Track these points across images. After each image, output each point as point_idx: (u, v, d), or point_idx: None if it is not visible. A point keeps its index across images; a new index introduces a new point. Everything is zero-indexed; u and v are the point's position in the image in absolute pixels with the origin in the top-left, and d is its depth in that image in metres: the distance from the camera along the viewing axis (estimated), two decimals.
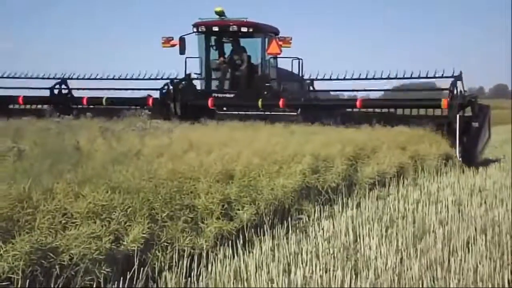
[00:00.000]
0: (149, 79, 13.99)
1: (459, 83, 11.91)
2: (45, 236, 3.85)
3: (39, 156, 5.49)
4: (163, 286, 4.27)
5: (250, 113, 12.63)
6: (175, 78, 13.77)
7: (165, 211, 4.85)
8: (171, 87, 13.47)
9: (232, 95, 13.94)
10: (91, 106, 13.82)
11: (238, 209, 5.59)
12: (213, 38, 14.46)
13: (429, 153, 10.54)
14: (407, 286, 4.38)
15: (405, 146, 10.18)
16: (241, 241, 5.26)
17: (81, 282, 3.86)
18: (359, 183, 8.12)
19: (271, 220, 5.97)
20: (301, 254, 5.09)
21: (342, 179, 7.63)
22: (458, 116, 11.59)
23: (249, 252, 5.14)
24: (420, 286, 4.35)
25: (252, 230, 5.59)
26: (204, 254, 4.82)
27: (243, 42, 14.63)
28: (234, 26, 13.81)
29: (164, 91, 13.46)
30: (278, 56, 14.22)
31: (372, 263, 4.88)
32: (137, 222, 4.51)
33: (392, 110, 12.85)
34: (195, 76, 14.41)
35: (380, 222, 6.35)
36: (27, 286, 3.60)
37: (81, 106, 14.05)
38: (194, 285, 4.38)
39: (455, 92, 11.79)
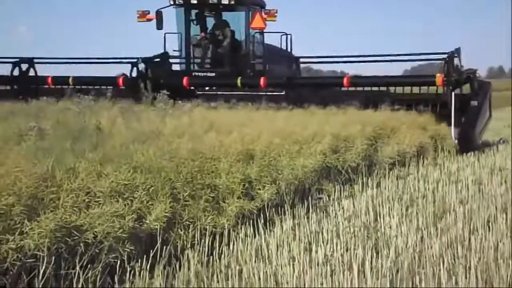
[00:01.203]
0: (120, 58, 12.78)
1: (456, 59, 10.85)
2: (69, 214, 3.88)
3: (61, 135, 5.55)
4: (186, 264, 4.31)
5: (230, 93, 11.72)
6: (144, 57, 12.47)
7: (186, 190, 4.88)
8: (142, 65, 12.24)
9: (213, 74, 12.95)
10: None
11: (259, 189, 5.61)
12: (193, 11, 13.22)
13: (450, 132, 10.46)
14: (427, 264, 4.38)
15: (425, 126, 10.12)
16: (262, 220, 5.30)
17: (105, 259, 3.91)
18: (379, 162, 8.12)
19: (291, 199, 6.00)
20: (322, 233, 5.11)
21: (362, 159, 7.62)
22: (453, 94, 10.55)
23: (270, 231, 5.17)
24: (441, 264, 4.34)
25: (273, 209, 5.62)
26: (225, 233, 4.86)
27: (226, 16, 13.41)
28: None
29: (135, 69, 12.23)
30: (264, 31, 13.07)
31: (393, 242, 4.88)
32: (159, 201, 4.54)
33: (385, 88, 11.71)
34: (176, 53, 13.24)
35: (400, 202, 6.35)
36: (52, 263, 3.66)
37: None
38: (216, 263, 4.41)
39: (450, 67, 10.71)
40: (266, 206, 5.53)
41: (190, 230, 4.66)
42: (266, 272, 4.19)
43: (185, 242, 4.57)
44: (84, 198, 4.15)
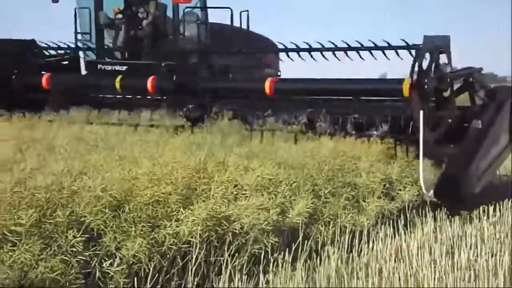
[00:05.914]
0: None
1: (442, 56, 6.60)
2: (219, 205, 4.14)
3: (211, 131, 5.88)
4: (326, 260, 4.41)
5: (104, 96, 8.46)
6: None
7: (327, 188, 5.00)
8: None
9: (123, 68, 8.78)
10: None
11: (400, 190, 5.60)
12: None
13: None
14: None
15: None
16: (402, 221, 5.27)
17: (250, 249, 4.11)
18: None
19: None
20: (465, 237, 5.00)
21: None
22: (421, 112, 6.09)
23: (410, 233, 5.13)
24: None
25: (414, 211, 5.57)
26: (365, 232, 4.90)
27: None
28: None
29: None
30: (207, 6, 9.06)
31: None
32: (301, 197, 4.70)
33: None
34: (82, 36, 9.30)
35: None
36: (204, 250, 3.92)
37: None
38: (356, 261, 4.47)
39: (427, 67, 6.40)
40: (406, 207, 5.50)
41: (330, 227, 4.76)
42: (406, 272, 4.19)
43: (325, 238, 4.68)
44: (232, 191, 4.39)
